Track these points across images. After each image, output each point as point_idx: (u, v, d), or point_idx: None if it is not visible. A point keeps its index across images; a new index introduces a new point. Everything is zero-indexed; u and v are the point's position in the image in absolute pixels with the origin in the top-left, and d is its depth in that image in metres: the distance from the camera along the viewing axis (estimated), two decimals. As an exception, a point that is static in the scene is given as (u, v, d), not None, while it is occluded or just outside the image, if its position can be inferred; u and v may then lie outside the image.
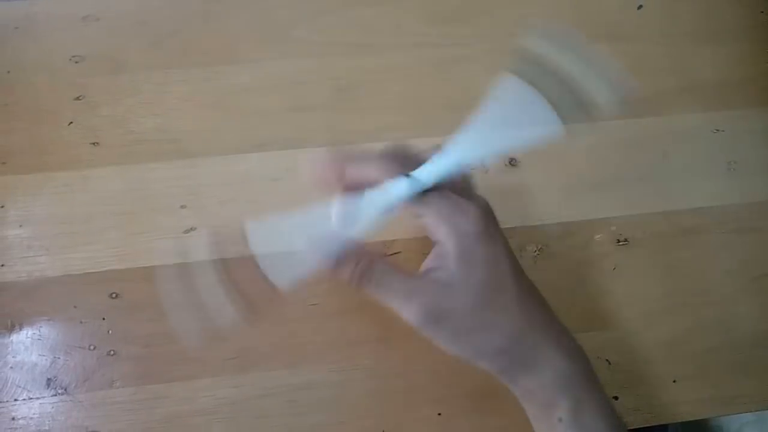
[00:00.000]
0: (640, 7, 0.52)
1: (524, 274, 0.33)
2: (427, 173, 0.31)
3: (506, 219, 0.45)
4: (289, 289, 0.30)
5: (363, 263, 0.31)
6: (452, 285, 0.31)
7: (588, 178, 0.47)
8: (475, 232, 0.31)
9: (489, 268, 0.31)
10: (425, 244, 0.44)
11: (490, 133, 0.31)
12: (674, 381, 0.43)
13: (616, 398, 0.42)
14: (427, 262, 0.33)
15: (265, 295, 0.32)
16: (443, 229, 0.31)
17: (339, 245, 0.31)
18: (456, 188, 0.32)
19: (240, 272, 0.32)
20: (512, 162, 0.47)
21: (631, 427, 0.42)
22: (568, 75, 0.31)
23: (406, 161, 0.31)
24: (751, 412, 0.42)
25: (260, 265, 0.31)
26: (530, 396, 0.33)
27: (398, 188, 0.30)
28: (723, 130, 0.49)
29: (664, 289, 0.45)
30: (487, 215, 0.32)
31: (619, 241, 0.45)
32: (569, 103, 0.30)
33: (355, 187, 0.32)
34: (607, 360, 0.43)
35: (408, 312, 0.30)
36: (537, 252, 0.45)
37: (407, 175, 0.30)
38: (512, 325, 0.32)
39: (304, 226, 0.32)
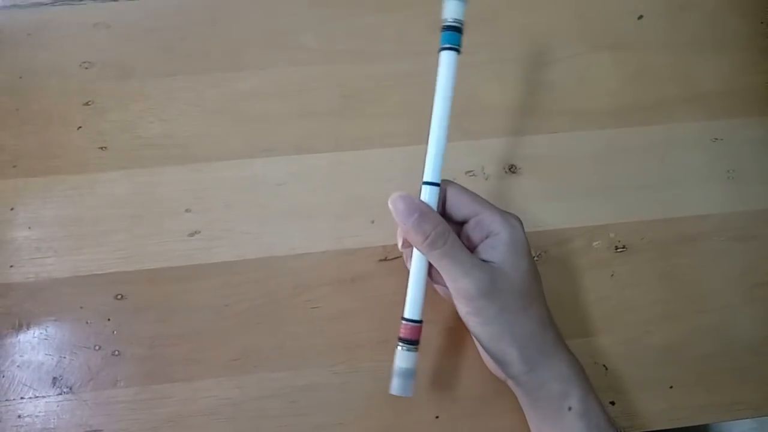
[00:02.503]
0: (640, 17, 0.52)
1: None
2: (431, 170, 0.36)
3: (506, 225, 0.46)
4: None
5: (440, 228, 0.35)
6: (503, 268, 0.35)
7: (587, 185, 0.47)
8: (522, 229, 0.37)
9: (531, 261, 0.37)
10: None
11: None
12: (671, 387, 0.43)
13: (612, 403, 0.42)
14: (479, 251, 0.37)
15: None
16: (498, 221, 0.36)
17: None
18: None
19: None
20: (512, 168, 0.47)
21: (629, 433, 0.42)
22: None
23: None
24: (748, 418, 0.42)
25: None
26: (542, 387, 0.36)
27: (427, 196, 0.36)
28: (722, 139, 0.49)
29: (662, 295, 0.45)
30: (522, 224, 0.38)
31: (617, 248, 0.46)
32: None
33: None
34: (604, 365, 0.43)
35: (466, 283, 0.34)
36: (536, 258, 0.45)
37: (425, 183, 0.37)
38: (541, 315, 0.37)
39: None
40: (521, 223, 0.37)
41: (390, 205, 0.36)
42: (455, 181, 0.38)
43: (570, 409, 0.35)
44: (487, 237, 0.37)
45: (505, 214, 0.37)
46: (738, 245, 0.46)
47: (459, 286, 0.35)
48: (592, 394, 0.36)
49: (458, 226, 0.38)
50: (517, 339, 0.35)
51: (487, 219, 0.37)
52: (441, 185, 0.37)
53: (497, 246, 0.36)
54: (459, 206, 0.37)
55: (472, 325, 0.36)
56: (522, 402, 0.39)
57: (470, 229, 0.37)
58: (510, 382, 0.38)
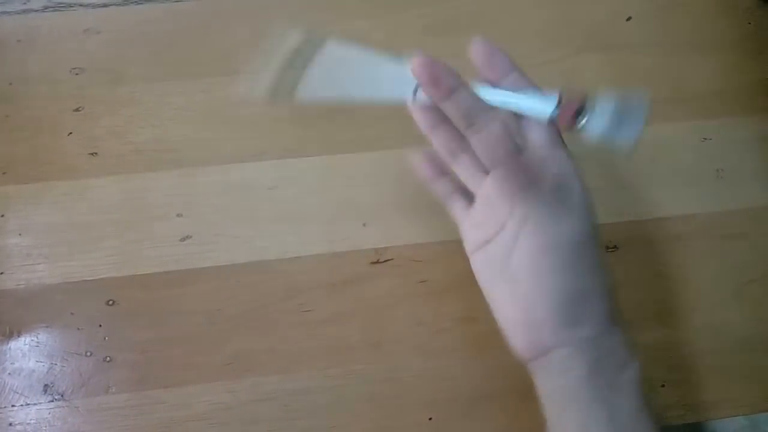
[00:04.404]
0: (629, 18, 0.53)
1: None
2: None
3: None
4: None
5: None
6: (548, 159, 0.33)
7: (578, 186, 0.47)
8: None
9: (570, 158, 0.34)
10: (417, 251, 0.45)
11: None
12: (662, 385, 0.43)
13: (606, 403, 0.42)
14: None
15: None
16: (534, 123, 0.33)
17: None
18: None
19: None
20: (503, 170, 0.47)
21: None
22: None
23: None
24: (740, 416, 0.43)
25: None
26: (612, 352, 0.32)
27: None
28: (711, 139, 0.49)
29: (652, 294, 0.45)
30: None
31: (608, 248, 0.46)
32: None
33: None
34: (597, 365, 0.43)
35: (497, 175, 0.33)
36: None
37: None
38: (584, 222, 0.33)
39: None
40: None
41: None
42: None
43: (629, 381, 0.31)
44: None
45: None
46: (728, 244, 0.47)
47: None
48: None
49: None
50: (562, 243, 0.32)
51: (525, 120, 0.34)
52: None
53: (539, 141, 0.33)
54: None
55: (516, 219, 0.32)
56: (555, 381, 0.33)
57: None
58: (552, 355, 0.32)
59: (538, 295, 0.32)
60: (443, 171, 0.37)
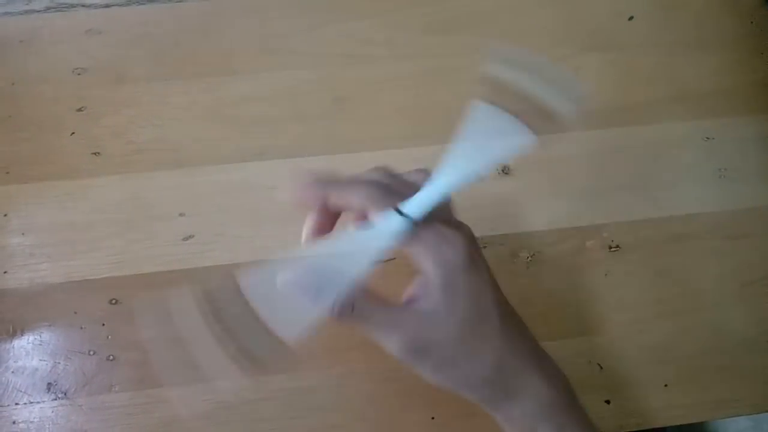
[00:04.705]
0: (631, 17, 0.53)
1: (506, 302, 0.33)
2: (418, 206, 0.30)
3: (499, 226, 0.46)
4: (296, 341, 0.29)
5: (342, 297, 0.30)
6: (436, 316, 0.30)
7: (580, 186, 0.47)
8: (462, 263, 0.30)
9: (473, 299, 0.31)
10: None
11: (472, 156, 0.32)
12: (665, 385, 0.43)
13: (607, 402, 0.42)
14: (409, 291, 0.32)
15: (272, 348, 0.30)
16: (429, 260, 0.30)
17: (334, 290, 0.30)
18: (439, 214, 0.32)
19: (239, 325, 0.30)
20: (505, 170, 0.47)
21: (624, 431, 0.42)
22: (531, 92, 0.32)
23: (390, 188, 0.31)
24: (740, 416, 0.43)
25: (262, 317, 0.29)
26: (512, 423, 0.33)
27: (391, 226, 0.30)
28: (713, 138, 0.49)
29: (655, 294, 0.45)
30: (472, 244, 0.32)
31: (610, 248, 0.46)
32: (537, 117, 0.32)
33: (336, 212, 0.33)
34: (598, 364, 0.43)
35: (389, 344, 0.30)
36: (530, 258, 0.45)
37: (400, 212, 0.30)
38: (495, 354, 0.31)
39: (298, 272, 0.30)
40: (465, 246, 0.31)
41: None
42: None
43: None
44: (419, 273, 0.31)
45: (439, 242, 0.31)
46: (730, 243, 0.47)
47: (385, 347, 0.31)
48: (572, 427, 0.32)
49: None
50: (469, 385, 0.31)
51: (415, 253, 0.31)
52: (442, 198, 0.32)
53: (428, 289, 0.31)
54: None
55: (419, 373, 0.31)
56: None
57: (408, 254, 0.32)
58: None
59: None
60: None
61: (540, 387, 0.32)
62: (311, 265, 0.30)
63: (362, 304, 0.30)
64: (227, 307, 0.30)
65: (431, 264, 0.30)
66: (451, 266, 0.30)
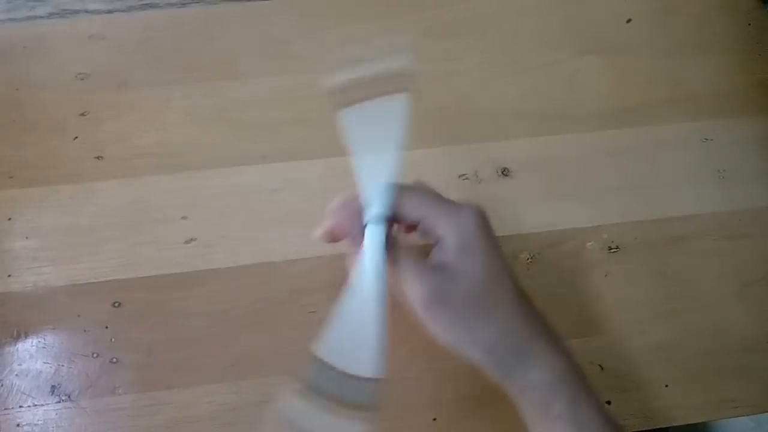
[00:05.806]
0: (629, 20, 0.53)
1: (517, 278, 0.35)
2: (376, 207, 0.33)
3: (499, 227, 0.46)
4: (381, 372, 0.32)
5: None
6: (453, 274, 0.32)
7: (579, 187, 0.48)
8: (474, 226, 0.33)
9: (487, 261, 0.33)
10: (420, 247, 0.45)
11: (377, 141, 0.35)
12: (666, 386, 0.43)
13: (608, 403, 0.43)
14: (432, 255, 0.34)
15: (369, 389, 0.32)
16: (443, 224, 0.33)
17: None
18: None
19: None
20: (505, 172, 0.48)
21: (625, 432, 0.42)
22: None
23: (359, 210, 0.34)
24: (741, 416, 0.43)
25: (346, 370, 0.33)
26: (526, 394, 0.34)
27: (370, 240, 0.33)
28: (712, 139, 0.50)
29: (655, 295, 0.45)
30: (483, 216, 0.34)
31: (610, 249, 0.46)
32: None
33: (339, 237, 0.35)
34: (599, 365, 0.43)
35: (413, 293, 0.33)
36: (530, 259, 0.46)
37: (365, 225, 0.33)
38: (508, 317, 0.33)
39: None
40: (478, 216, 0.33)
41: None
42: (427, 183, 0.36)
43: (559, 416, 0.33)
44: (437, 242, 0.34)
45: (454, 212, 0.33)
46: (729, 244, 0.47)
47: (409, 295, 0.33)
48: (583, 398, 0.33)
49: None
50: (480, 345, 0.33)
51: (431, 224, 0.33)
52: (394, 187, 0.34)
53: (447, 250, 0.33)
54: (409, 210, 0.34)
55: (432, 332, 0.33)
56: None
57: (422, 232, 0.35)
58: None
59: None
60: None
61: (552, 357, 0.33)
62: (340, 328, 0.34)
63: (396, 250, 0.33)
64: (319, 380, 0.33)
65: (448, 228, 0.33)
66: (465, 230, 0.33)
